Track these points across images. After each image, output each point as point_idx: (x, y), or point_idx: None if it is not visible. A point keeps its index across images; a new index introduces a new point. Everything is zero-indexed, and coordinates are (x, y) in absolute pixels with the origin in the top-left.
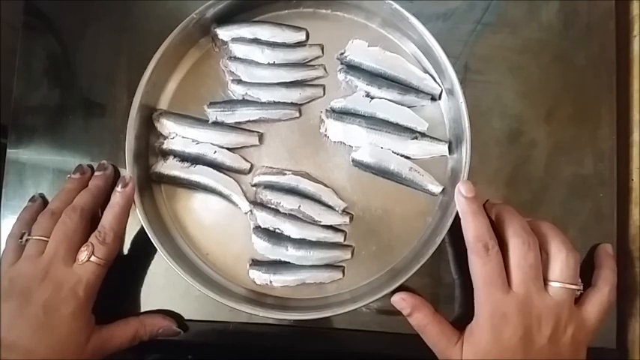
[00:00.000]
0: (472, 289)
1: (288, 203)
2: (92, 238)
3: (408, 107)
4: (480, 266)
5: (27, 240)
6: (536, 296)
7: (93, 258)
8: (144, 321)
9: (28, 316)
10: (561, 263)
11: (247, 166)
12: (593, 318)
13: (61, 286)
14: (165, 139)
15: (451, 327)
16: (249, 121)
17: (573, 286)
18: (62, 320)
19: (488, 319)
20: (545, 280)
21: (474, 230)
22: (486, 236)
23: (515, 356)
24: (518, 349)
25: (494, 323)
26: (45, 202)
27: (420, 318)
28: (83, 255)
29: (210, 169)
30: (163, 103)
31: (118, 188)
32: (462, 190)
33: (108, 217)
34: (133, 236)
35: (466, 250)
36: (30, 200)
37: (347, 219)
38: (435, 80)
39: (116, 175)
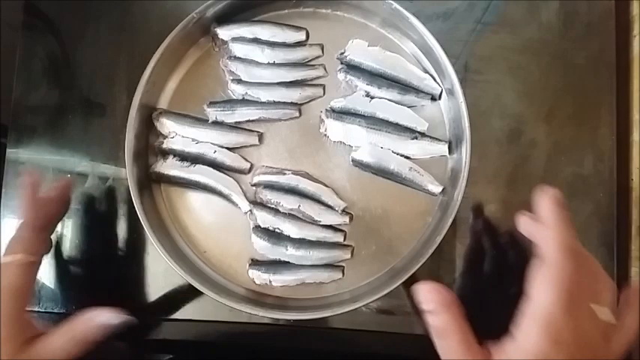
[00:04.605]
0: (471, 288)
1: (287, 203)
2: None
3: (408, 107)
4: (573, 269)
5: None
6: (587, 323)
7: (8, 257)
8: (74, 325)
9: None
10: (612, 294)
11: (247, 165)
12: (619, 356)
13: None
14: (165, 139)
15: (474, 338)
16: (249, 121)
17: (613, 320)
18: None
19: (541, 341)
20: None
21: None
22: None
23: None
24: None
25: (547, 348)
26: None
27: (447, 320)
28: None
29: (210, 169)
30: (163, 103)
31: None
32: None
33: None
34: (132, 236)
35: (466, 249)
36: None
37: (347, 219)
38: (435, 80)
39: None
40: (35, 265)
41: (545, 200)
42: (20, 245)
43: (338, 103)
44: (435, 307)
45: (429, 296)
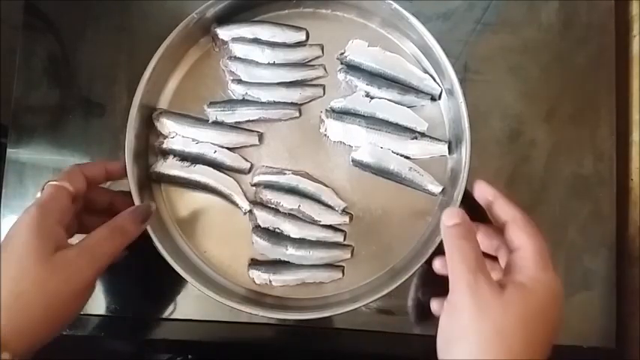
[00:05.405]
0: None
1: (288, 203)
2: None
3: (408, 107)
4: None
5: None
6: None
7: (51, 182)
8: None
9: None
10: None
11: (247, 165)
12: None
13: (19, 219)
14: (165, 139)
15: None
16: (249, 121)
17: None
18: (14, 249)
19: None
20: None
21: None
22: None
23: None
24: None
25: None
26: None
27: (464, 233)
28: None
29: (210, 169)
30: (163, 103)
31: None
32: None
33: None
34: None
35: None
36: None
37: (347, 219)
38: (434, 80)
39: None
40: (69, 195)
41: (479, 187)
42: (63, 176)
43: (338, 103)
44: (458, 220)
45: (455, 213)
